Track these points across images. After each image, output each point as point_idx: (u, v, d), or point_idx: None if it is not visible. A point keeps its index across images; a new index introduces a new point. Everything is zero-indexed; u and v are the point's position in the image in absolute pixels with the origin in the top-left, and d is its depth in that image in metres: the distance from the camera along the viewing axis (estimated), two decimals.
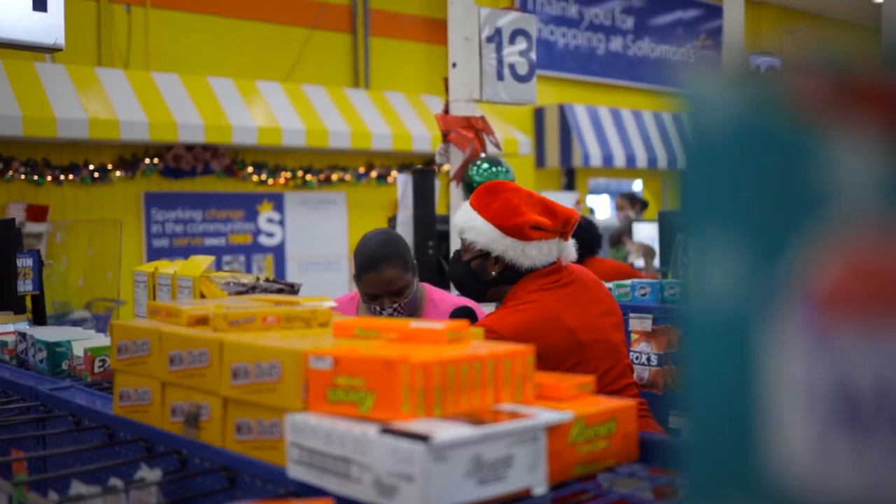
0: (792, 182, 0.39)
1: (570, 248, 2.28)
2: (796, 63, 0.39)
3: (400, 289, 2.50)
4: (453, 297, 2.72)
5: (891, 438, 0.37)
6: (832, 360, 0.39)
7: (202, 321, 1.35)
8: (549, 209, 2.22)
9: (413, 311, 2.57)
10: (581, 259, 3.05)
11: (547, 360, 1.95)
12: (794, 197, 0.39)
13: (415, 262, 2.60)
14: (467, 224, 2.26)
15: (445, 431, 0.93)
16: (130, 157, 7.80)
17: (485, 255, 2.24)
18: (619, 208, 8.36)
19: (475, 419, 0.99)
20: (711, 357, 0.44)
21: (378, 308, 2.51)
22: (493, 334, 1.99)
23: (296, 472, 1.05)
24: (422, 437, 0.91)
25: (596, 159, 10.61)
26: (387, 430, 0.95)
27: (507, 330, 2.05)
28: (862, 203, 0.37)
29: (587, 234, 4.42)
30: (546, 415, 1.03)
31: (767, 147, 0.41)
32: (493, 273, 2.24)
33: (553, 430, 1.04)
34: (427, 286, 2.73)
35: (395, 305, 2.51)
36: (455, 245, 4.25)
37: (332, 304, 1.43)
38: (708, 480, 0.43)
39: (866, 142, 0.36)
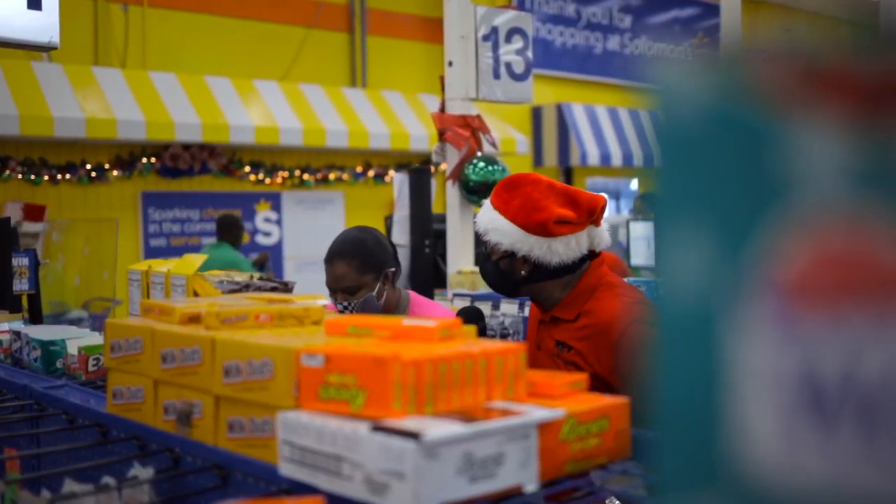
0: (759, 170, 0.39)
1: (602, 233, 2.19)
2: (764, 51, 0.39)
3: (349, 287, 2.42)
4: (439, 308, 2.68)
5: (857, 427, 0.37)
6: (799, 348, 0.39)
7: (195, 319, 1.35)
8: (572, 199, 2.13)
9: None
10: None
11: None
12: (761, 185, 0.39)
13: (390, 269, 2.47)
14: (490, 225, 2.17)
15: (436, 429, 0.93)
16: (127, 157, 7.80)
17: (511, 254, 2.16)
18: (636, 210, 8.26)
19: (466, 417, 0.99)
20: (678, 346, 0.44)
21: (337, 303, 2.46)
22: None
23: (287, 469, 1.05)
24: (413, 435, 0.91)
25: (593, 158, 10.61)
26: (378, 428, 0.94)
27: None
28: (829, 191, 0.37)
29: None
30: (537, 412, 1.03)
31: (734, 135, 0.41)
32: (523, 272, 2.17)
33: (544, 428, 1.04)
34: (413, 294, 2.64)
35: (346, 303, 2.43)
36: (454, 244, 4.25)
37: (325, 302, 1.43)
38: (676, 471, 0.43)
39: (833, 129, 0.36)
